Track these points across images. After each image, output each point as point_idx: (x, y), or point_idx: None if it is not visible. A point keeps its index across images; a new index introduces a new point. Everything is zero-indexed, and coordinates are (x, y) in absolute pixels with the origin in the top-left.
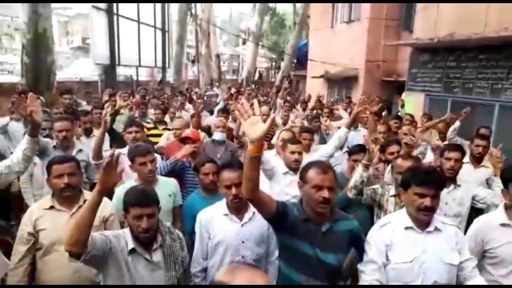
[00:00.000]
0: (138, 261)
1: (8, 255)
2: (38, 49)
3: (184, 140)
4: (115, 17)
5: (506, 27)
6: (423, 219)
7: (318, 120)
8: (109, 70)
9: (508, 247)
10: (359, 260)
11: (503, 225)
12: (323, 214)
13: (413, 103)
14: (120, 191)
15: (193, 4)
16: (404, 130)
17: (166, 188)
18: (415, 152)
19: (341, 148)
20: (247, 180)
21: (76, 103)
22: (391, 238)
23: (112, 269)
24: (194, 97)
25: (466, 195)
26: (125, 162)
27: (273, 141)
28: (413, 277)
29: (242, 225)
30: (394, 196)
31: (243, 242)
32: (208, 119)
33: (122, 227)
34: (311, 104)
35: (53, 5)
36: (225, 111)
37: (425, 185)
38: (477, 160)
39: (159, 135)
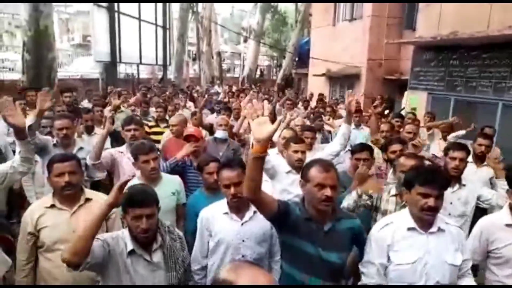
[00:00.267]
0: (138, 262)
1: (8, 252)
2: (39, 46)
3: (187, 138)
4: (116, 15)
5: (509, 26)
6: (426, 219)
7: (321, 119)
8: (110, 67)
9: None
10: (361, 259)
11: (508, 225)
12: (326, 213)
13: (416, 101)
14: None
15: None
16: (408, 129)
17: (170, 186)
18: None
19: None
20: (249, 180)
21: (75, 101)
22: (393, 238)
23: (111, 272)
24: (195, 95)
25: (471, 195)
26: (122, 160)
27: (275, 139)
28: (415, 278)
29: (242, 224)
30: (395, 195)
31: (243, 241)
32: (209, 117)
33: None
34: (313, 102)
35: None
36: (227, 109)
37: (429, 185)
38: (479, 159)
39: (161, 133)
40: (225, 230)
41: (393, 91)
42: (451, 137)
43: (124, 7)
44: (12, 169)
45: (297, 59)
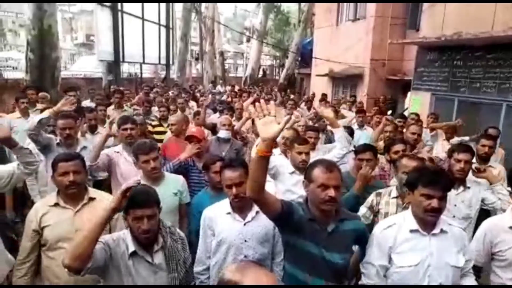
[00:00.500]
0: (140, 264)
1: (12, 251)
2: (43, 45)
3: (189, 139)
4: (119, 14)
5: None
6: (429, 220)
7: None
8: (113, 67)
9: None
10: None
11: None
12: (329, 214)
13: (419, 102)
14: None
15: None
16: (411, 130)
17: (172, 186)
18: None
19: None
20: (253, 180)
21: (79, 100)
22: (396, 240)
23: (112, 275)
24: (198, 94)
25: (475, 198)
26: (119, 160)
27: (277, 139)
28: (418, 280)
29: (245, 224)
30: (396, 197)
31: (245, 241)
32: (212, 117)
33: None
34: (315, 102)
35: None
36: (230, 109)
37: (433, 186)
38: (483, 160)
39: (164, 133)
40: (228, 230)
41: (396, 92)
42: (455, 141)
43: (127, 6)
44: (19, 169)
45: (299, 59)
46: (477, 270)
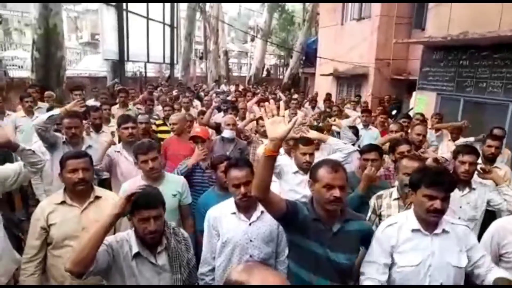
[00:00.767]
0: (143, 265)
1: (17, 250)
2: (49, 44)
3: (193, 139)
4: (124, 13)
5: None
6: (432, 221)
7: (328, 118)
8: (118, 66)
9: None
10: None
11: None
12: (334, 214)
13: (424, 102)
14: (125, 186)
15: None
16: (417, 130)
17: (172, 187)
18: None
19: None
20: (259, 179)
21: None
22: (397, 239)
23: (115, 276)
24: (202, 93)
25: (481, 199)
26: (119, 159)
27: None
28: (419, 280)
29: (250, 224)
30: (398, 199)
31: (250, 241)
32: (216, 116)
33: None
34: (319, 102)
35: None
36: (234, 109)
37: (435, 186)
38: (489, 161)
39: (168, 132)
40: (233, 230)
41: (401, 91)
42: (460, 142)
43: (132, 6)
44: (25, 168)
45: (304, 58)
46: None
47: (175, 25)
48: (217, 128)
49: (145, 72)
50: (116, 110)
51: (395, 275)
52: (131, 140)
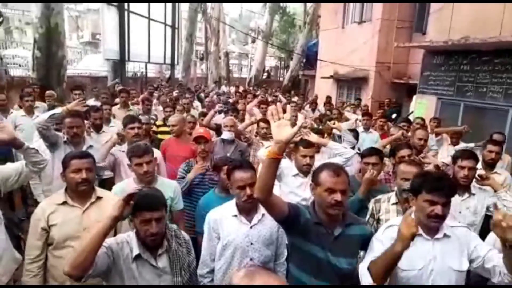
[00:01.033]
0: (144, 267)
1: (16, 249)
2: (50, 43)
3: (197, 139)
4: (126, 13)
5: None
6: (433, 226)
7: (328, 121)
8: (119, 66)
9: None
10: None
11: None
12: (336, 218)
13: (425, 106)
14: (117, 188)
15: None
16: (418, 135)
17: (164, 191)
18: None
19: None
20: (262, 182)
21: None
22: None
23: (115, 278)
24: (202, 95)
25: (480, 204)
26: (124, 159)
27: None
28: (421, 284)
29: (251, 227)
30: (396, 203)
31: (251, 244)
32: (216, 118)
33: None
34: (319, 105)
35: None
36: (235, 110)
37: (436, 192)
38: (489, 166)
39: (169, 133)
40: (234, 233)
41: (401, 95)
42: (460, 147)
43: (134, 6)
44: (27, 168)
45: (304, 61)
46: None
47: (176, 25)
48: (218, 130)
49: (146, 73)
50: (117, 111)
51: (398, 279)
52: (136, 140)
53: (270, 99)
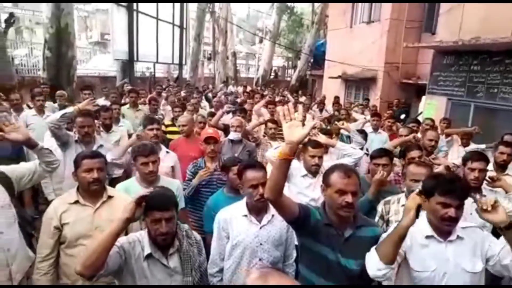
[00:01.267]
0: (155, 267)
1: (29, 247)
2: (60, 44)
3: (206, 140)
4: (134, 14)
5: None
6: (445, 230)
7: (336, 121)
8: (127, 65)
9: None
10: None
11: None
12: (346, 219)
13: (434, 106)
14: (120, 187)
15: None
16: (429, 136)
17: None
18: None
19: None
20: (273, 182)
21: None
22: (410, 243)
23: (126, 277)
24: (210, 94)
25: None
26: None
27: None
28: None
29: (261, 227)
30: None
31: (261, 244)
32: (224, 118)
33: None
34: (327, 105)
35: None
36: (243, 111)
37: (450, 194)
38: (501, 168)
39: (177, 132)
40: (244, 233)
41: (409, 95)
42: (470, 148)
43: (142, 6)
44: (40, 167)
45: (312, 60)
46: (498, 280)
47: (184, 26)
48: (225, 130)
49: (154, 73)
50: (126, 110)
51: (410, 280)
52: (155, 141)
53: (277, 99)
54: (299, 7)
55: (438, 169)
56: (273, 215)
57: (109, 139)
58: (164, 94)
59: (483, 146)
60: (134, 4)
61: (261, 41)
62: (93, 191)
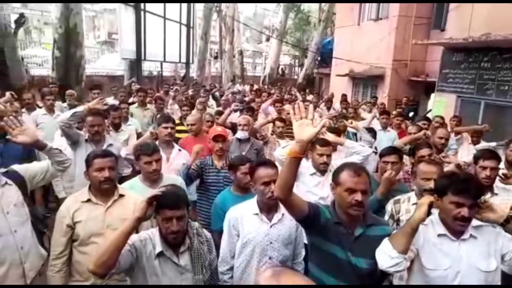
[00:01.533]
0: (166, 265)
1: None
2: (69, 43)
3: (215, 138)
4: (142, 13)
5: None
6: (458, 229)
7: (344, 120)
8: (135, 65)
9: None
10: None
11: None
12: (356, 218)
13: (444, 104)
14: (125, 186)
15: None
16: (439, 134)
17: None
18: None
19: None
20: (283, 181)
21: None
22: (423, 241)
23: (138, 275)
24: (217, 93)
25: (504, 204)
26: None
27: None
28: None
29: (271, 226)
30: (416, 203)
31: (271, 243)
32: (231, 117)
33: None
34: (334, 103)
35: None
36: (250, 109)
37: (463, 194)
38: None
39: (186, 131)
40: (255, 231)
41: (418, 93)
42: (480, 147)
43: (150, 5)
44: (52, 166)
45: (319, 58)
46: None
47: (191, 24)
48: (233, 128)
49: (161, 72)
50: (135, 109)
51: (422, 278)
52: (168, 139)
53: (286, 97)
54: (306, 4)
55: (449, 168)
56: (283, 214)
57: (118, 138)
58: (171, 93)
59: (493, 144)
60: (142, 4)
61: (268, 39)
62: (104, 190)
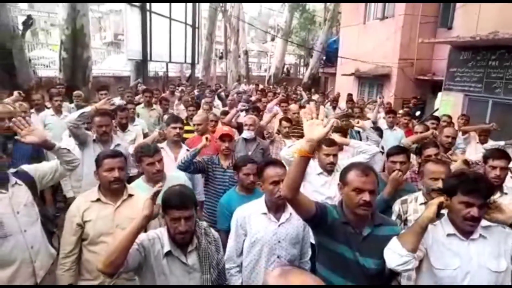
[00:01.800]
0: (174, 264)
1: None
2: (76, 45)
3: (222, 137)
4: (148, 14)
5: None
6: (468, 229)
7: (350, 119)
8: (141, 65)
9: None
10: None
11: None
12: (364, 218)
13: (451, 103)
14: (133, 185)
15: None
16: (446, 133)
17: None
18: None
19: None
20: (291, 180)
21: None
22: (431, 240)
23: (146, 274)
24: (223, 93)
25: None
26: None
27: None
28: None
29: (279, 225)
30: (424, 203)
31: (279, 242)
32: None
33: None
34: (340, 103)
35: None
36: (256, 109)
37: (473, 194)
38: None
39: (192, 131)
40: (263, 230)
41: (425, 92)
42: (489, 146)
43: (155, 6)
44: (61, 166)
45: (324, 58)
46: None
47: (196, 25)
48: (239, 128)
49: (167, 72)
50: (141, 110)
51: (431, 278)
52: (176, 139)
53: (292, 96)
54: (311, 4)
55: (455, 165)
56: (291, 213)
57: (125, 138)
58: (177, 94)
59: (502, 143)
60: (147, 4)
61: (273, 39)
62: (114, 189)
